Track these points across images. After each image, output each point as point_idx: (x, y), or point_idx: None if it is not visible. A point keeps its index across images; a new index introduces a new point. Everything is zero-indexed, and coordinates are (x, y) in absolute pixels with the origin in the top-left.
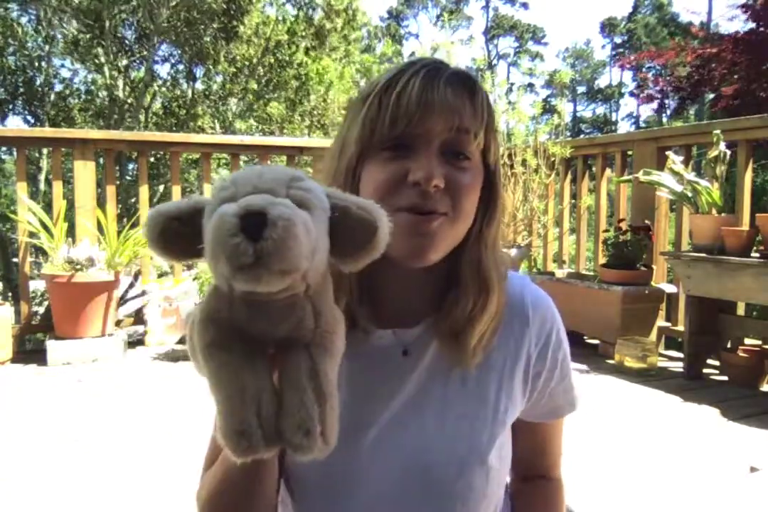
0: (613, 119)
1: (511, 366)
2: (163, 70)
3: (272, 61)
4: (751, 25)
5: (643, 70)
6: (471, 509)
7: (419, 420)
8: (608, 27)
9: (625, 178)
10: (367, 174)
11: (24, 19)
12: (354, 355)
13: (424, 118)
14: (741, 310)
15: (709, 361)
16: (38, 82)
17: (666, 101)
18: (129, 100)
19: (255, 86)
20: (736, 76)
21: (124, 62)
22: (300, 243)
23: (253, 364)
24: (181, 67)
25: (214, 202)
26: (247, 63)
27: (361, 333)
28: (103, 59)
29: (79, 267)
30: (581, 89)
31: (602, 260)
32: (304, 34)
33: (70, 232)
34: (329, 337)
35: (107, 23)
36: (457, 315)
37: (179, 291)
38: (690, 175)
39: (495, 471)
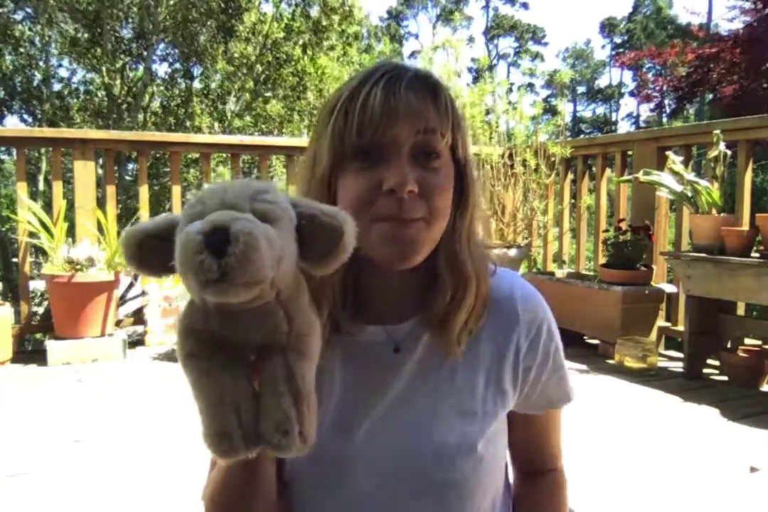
0: (613, 119)
1: (499, 359)
2: (161, 69)
3: (270, 58)
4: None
5: (643, 69)
6: (465, 499)
7: (411, 413)
8: (608, 27)
9: (625, 178)
10: (342, 185)
11: (19, 16)
12: (347, 353)
13: (390, 126)
14: (741, 310)
15: (709, 361)
16: (36, 82)
17: (665, 101)
18: (127, 100)
19: (252, 85)
20: (735, 77)
21: (123, 61)
22: (262, 255)
23: (232, 371)
24: (178, 65)
25: (184, 218)
26: (245, 61)
27: (348, 335)
28: (101, 58)
29: (79, 267)
30: (581, 89)
31: (602, 260)
32: (301, 29)
33: (70, 232)
34: (304, 340)
35: (105, 23)
36: (438, 308)
37: (179, 291)
38: (690, 175)
39: (487, 461)
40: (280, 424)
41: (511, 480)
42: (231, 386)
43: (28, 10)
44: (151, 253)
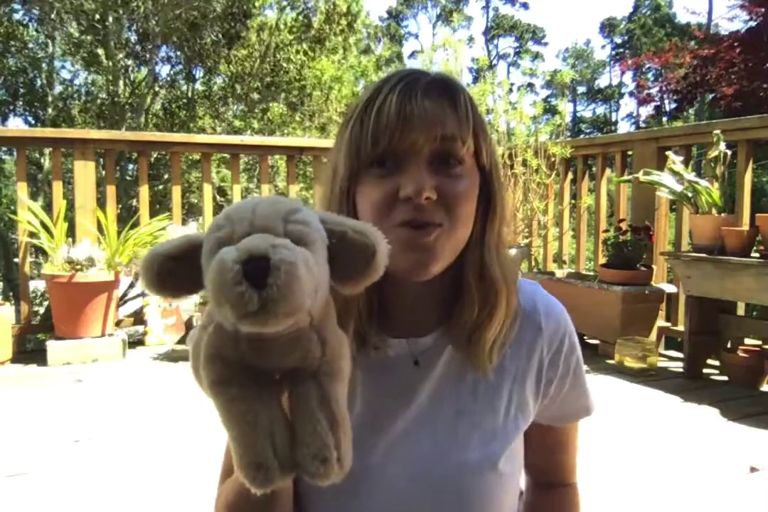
0: (613, 119)
1: (522, 373)
2: (163, 70)
3: (273, 63)
4: (752, 24)
5: (643, 70)
6: None
7: (431, 430)
8: (608, 27)
9: (625, 178)
10: (361, 194)
11: (18, 16)
12: (367, 366)
13: (405, 133)
14: (741, 310)
15: (709, 361)
16: (39, 83)
17: (664, 103)
18: (130, 101)
19: (255, 89)
20: (734, 77)
21: (126, 63)
22: (303, 284)
23: (262, 397)
24: (180, 68)
25: (211, 241)
26: (247, 66)
27: (373, 348)
28: (104, 60)
29: (79, 267)
30: (581, 89)
31: (602, 260)
32: (303, 36)
33: (70, 232)
34: (336, 363)
35: (109, 25)
36: (465, 322)
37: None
38: (690, 175)
39: (507, 478)
40: (318, 452)
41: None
42: (264, 414)
43: (34, 11)
44: (171, 277)
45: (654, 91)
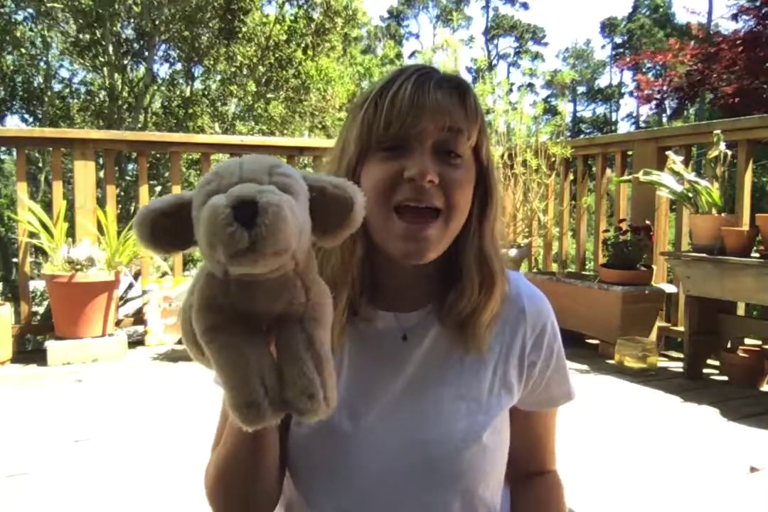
0: (613, 119)
1: (506, 353)
2: (162, 69)
3: (272, 60)
4: (753, 24)
5: (643, 70)
6: (470, 486)
7: (418, 402)
8: (608, 27)
9: (625, 178)
10: (366, 173)
11: (20, 16)
12: (356, 338)
13: (417, 120)
14: (741, 310)
15: (709, 361)
16: (37, 82)
17: (665, 102)
18: (128, 100)
19: (254, 87)
20: (733, 76)
21: (124, 62)
22: (289, 225)
23: (253, 341)
24: (179, 66)
25: (200, 195)
26: (246, 62)
27: (363, 319)
28: (102, 59)
29: (79, 267)
30: (581, 89)
31: (602, 260)
32: (303, 31)
33: (70, 232)
34: (319, 309)
35: (107, 23)
36: (462, 306)
37: (179, 292)
38: (690, 175)
39: (491, 451)
40: (305, 389)
41: None
42: (254, 357)
43: (30, 10)
44: (163, 233)
45: (655, 90)
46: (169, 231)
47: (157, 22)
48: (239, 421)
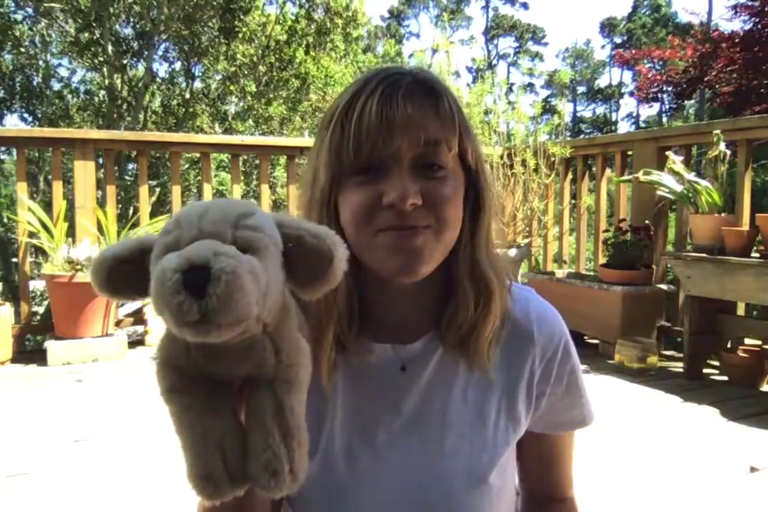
0: (613, 119)
1: (513, 384)
2: (162, 68)
3: (273, 60)
4: (751, 24)
5: (645, 66)
6: None
7: (418, 440)
8: (608, 27)
9: (625, 178)
10: (343, 200)
11: (20, 17)
12: (351, 374)
13: (388, 140)
14: (741, 310)
15: (709, 361)
16: (36, 81)
17: (663, 96)
18: (128, 99)
19: (254, 87)
20: (734, 75)
21: (123, 61)
22: (246, 293)
23: (216, 406)
24: (179, 65)
25: (158, 246)
26: (247, 61)
27: (354, 355)
28: (101, 58)
29: (79, 267)
30: (581, 89)
31: (602, 260)
32: (304, 32)
33: (70, 232)
34: (292, 371)
35: (106, 22)
36: (461, 323)
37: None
38: (690, 175)
39: (497, 490)
40: (268, 464)
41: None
42: (215, 423)
43: (29, 9)
44: (122, 280)
45: (653, 83)
46: (127, 278)
47: (156, 22)
48: (196, 493)
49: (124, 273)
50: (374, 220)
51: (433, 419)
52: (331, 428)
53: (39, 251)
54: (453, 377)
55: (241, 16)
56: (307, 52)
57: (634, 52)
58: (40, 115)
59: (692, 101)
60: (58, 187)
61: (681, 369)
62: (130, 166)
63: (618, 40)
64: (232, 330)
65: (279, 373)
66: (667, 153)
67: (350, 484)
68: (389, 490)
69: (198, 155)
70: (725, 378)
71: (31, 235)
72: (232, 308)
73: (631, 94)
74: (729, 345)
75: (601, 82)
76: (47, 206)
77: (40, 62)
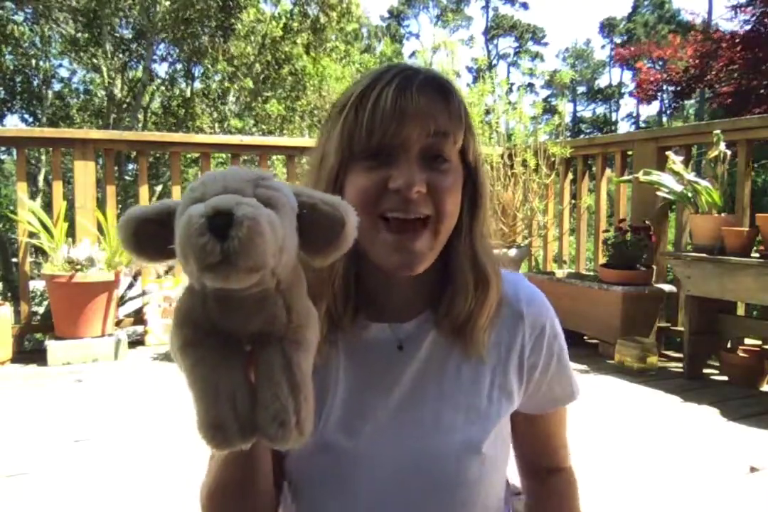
0: (613, 119)
1: (504, 359)
2: (161, 69)
3: (269, 57)
4: (751, 24)
5: (645, 66)
6: (471, 496)
7: (415, 414)
8: (608, 27)
9: (625, 178)
10: (350, 183)
11: (20, 18)
12: (349, 351)
13: (400, 128)
14: (741, 310)
15: (709, 361)
16: (36, 82)
17: (660, 95)
18: (127, 100)
19: (251, 85)
20: (735, 75)
21: (123, 61)
22: (265, 241)
23: (228, 360)
24: (179, 66)
25: (184, 201)
26: (244, 60)
27: (352, 333)
28: (101, 58)
29: (79, 267)
30: (581, 89)
31: (602, 260)
32: (299, 28)
33: (70, 232)
34: (301, 331)
35: (105, 22)
36: (458, 310)
37: (179, 292)
38: (690, 175)
39: (491, 459)
40: (276, 415)
41: (518, 479)
42: (227, 375)
43: (28, 10)
44: (148, 239)
45: (653, 82)
46: (153, 238)
47: (154, 22)
48: (205, 443)
49: (150, 233)
50: (379, 203)
51: (429, 393)
52: (331, 405)
53: (39, 251)
54: (448, 353)
55: (237, 14)
56: (307, 53)
57: (633, 49)
58: (40, 116)
59: (692, 101)
60: (58, 187)
61: (681, 369)
62: (130, 166)
63: (618, 40)
64: (249, 277)
65: (289, 332)
66: (667, 153)
67: (350, 458)
68: (389, 462)
69: (198, 155)
70: (725, 378)
71: (31, 235)
72: (252, 253)
73: (631, 94)
74: (729, 345)
75: (601, 82)
76: (47, 206)
77: (41, 63)
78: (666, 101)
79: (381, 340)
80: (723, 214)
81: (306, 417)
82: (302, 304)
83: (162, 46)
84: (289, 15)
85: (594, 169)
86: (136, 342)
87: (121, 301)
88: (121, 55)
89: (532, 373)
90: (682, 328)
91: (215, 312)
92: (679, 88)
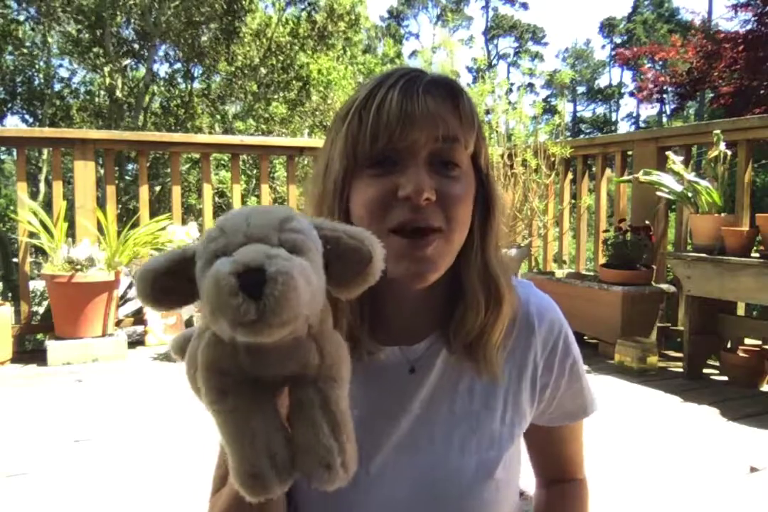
0: (613, 119)
1: (517, 378)
2: (162, 69)
3: (274, 62)
4: (752, 24)
5: (646, 67)
6: None
7: (428, 437)
8: (608, 27)
9: (625, 178)
10: (356, 193)
11: (21, 17)
12: (361, 375)
13: (406, 131)
14: (741, 310)
15: (709, 361)
16: (37, 82)
17: (663, 96)
18: (128, 100)
19: (255, 88)
20: (735, 75)
21: (124, 62)
22: (299, 294)
23: (260, 406)
24: (179, 66)
25: (205, 253)
26: (248, 63)
27: (366, 353)
28: (102, 59)
29: (79, 267)
30: (581, 89)
31: (602, 260)
32: (306, 34)
33: (70, 232)
34: (335, 368)
35: (107, 23)
36: (469, 327)
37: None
38: (690, 175)
39: (503, 483)
40: (322, 459)
41: (531, 487)
42: (261, 423)
43: (31, 10)
44: (166, 291)
45: (655, 85)
46: (172, 289)
47: (156, 23)
48: (242, 492)
49: (168, 285)
50: (387, 215)
51: (441, 416)
52: None
53: (39, 251)
54: (460, 374)
55: (242, 18)
56: (312, 56)
57: (635, 49)
58: (41, 116)
59: (692, 101)
60: (58, 187)
61: (681, 369)
62: (130, 166)
63: (618, 40)
64: (284, 330)
65: (323, 371)
66: (667, 153)
67: (361, 487)
68: (401, 487)
69: (198, 155)
70: (725, 378)
71: (31, 235)
72: (287, 308)
73: (632, 94)
74: (729, 345)
75: (601, 82)
76: (47, 206)
77: (41, 63)
78: (668, 103)
79: (392, 364)
80: (723, 214)
81: (351, 455)
82: (333, 341)
83: (163, 46)
84: (296, 20)
85: (594, 169)
86: (136, 342)
87: (122, 301)
88: (122, 56)
89: (544, 393)
90: (682, 328)
91: (247, 362)
92: (681, 90)
